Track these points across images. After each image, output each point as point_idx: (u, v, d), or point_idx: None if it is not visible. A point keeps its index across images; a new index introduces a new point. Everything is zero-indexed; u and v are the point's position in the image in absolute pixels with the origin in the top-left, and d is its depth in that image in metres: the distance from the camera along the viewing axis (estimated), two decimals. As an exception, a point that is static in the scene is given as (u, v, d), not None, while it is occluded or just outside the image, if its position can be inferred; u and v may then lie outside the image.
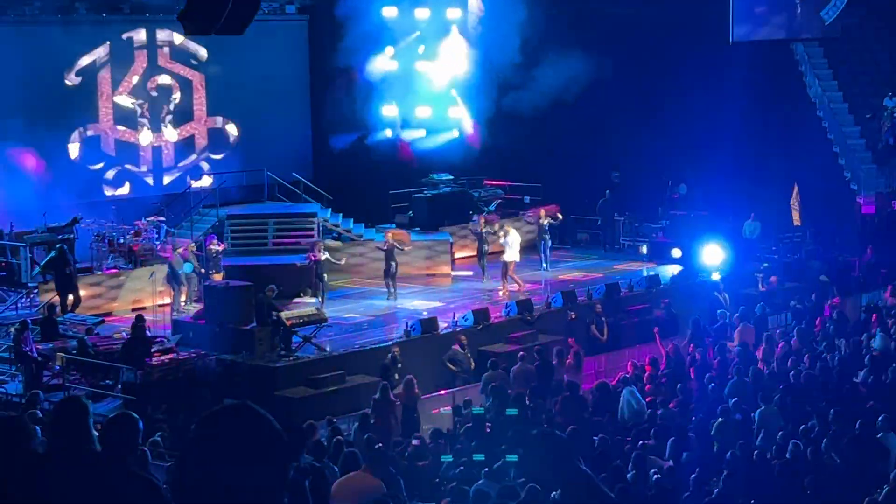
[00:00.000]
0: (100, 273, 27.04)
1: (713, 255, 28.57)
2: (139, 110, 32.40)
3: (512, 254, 27.99)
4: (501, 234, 28.46)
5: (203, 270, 26.94)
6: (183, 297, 26.54)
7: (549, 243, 30.42)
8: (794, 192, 32.83)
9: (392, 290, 27.43)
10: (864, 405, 17.35)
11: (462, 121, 35.05)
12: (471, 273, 30.24)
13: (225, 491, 2.76)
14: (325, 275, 26.86)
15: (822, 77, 32.88)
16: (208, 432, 2.84)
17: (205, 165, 33.68)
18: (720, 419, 16.64)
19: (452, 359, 23.02)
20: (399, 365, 21.84)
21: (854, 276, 28.97)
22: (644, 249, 31.78)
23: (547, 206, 30.97)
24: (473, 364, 22.99)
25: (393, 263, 27.47)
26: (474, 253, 29.97)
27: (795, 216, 32.72)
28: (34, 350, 21.71)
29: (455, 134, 35.28)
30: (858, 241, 30.78)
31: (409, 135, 35.02)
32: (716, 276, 27.85)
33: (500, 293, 27.84)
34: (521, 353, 22.32)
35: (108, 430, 5.34)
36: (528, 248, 30.02)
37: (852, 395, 18.37)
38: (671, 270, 29.38)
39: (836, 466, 14.57)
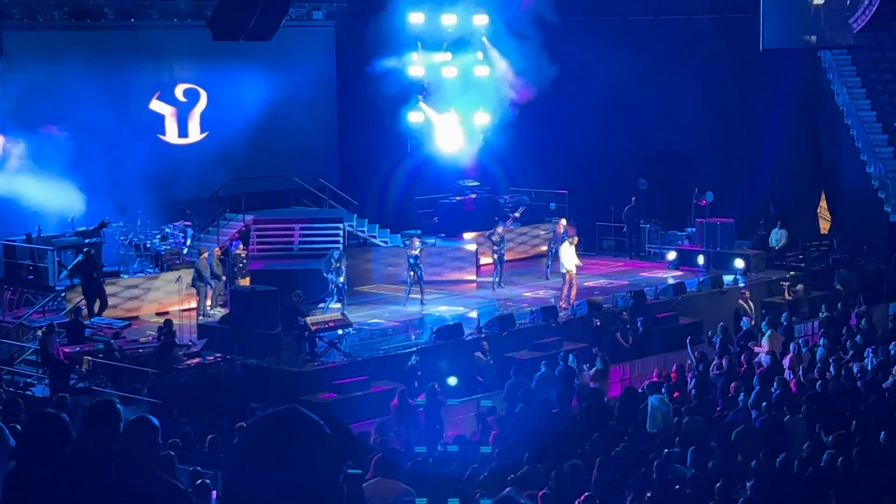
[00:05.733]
0: (126, 277, 27.17)
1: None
2: (167, 114, 32.54)
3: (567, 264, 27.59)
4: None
5: (225, 278, 27.02)
6: (209, 302, 26.65)
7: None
8: (821, 200, 32.69)
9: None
10: (891, 414, 17.25)
11: (488, 127, 35.01)
12: (497, 279, 30.19)
13: (276, 496, 2.76)
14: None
15: (851, 85, 32.72)
16: (258, 437, 2.84)
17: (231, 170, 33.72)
18: (746, 427, 16.58)
19: (478, 368, 23.01)
20: (419, 372, 21.85)
21: (882, 285, 28.80)
22: (671, 256, 31.69)
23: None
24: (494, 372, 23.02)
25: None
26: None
27: (823, 224, 32.59)
28: (61, 353, 21.81)
29: (481, 140, 35.27)
30: (886, 249, 30.61)
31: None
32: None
33: (562, 303, 27.17)
34: (543, 360, 22.26)
35: (126, 433, 5.36)
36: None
37: (879, 404, 18.24)
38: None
39: (862, 476, 14.47)
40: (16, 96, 28.94)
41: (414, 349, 23.26)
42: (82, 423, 5.31)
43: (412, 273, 27.46)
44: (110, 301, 25.86)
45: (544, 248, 31.76)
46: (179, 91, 32.77)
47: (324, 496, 2.78)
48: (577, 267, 27.54)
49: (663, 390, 19.35)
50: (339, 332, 23.28)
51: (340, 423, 3.33)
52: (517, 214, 33.98)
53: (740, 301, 26.60)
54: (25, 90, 28.90)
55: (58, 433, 5.25)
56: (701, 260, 30.43)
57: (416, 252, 27.57)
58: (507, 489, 12.90)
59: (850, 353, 22.17)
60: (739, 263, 29.39)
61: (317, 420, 2.83)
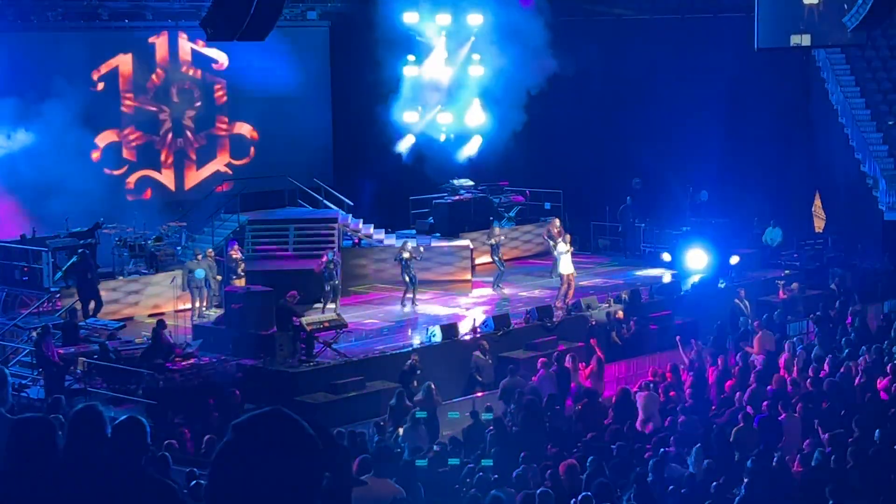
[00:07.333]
0: (121, 278, 27.14)
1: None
2: (161, 116, 32.54)
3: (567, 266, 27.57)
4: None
5: (219, 277, 27.00)
6: (204, 303, 26.62)
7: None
8: (816, 199, 32.71)
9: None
10: (886, 412, 17.27)
11: (483, 127, 35.02)
12: (492, 279, 30.22)
13: (259, 497, 2.76)
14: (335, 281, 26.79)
15: (845, 84, 32.74)
16: (242, 439, 2.84)
17: (226, 171, 33.76)
18: (741, 426, 16.58)
19: (477, 367, 23.00)
20: (418, 372, 21.85)
21: (876, 284, 28.82)
22: (666, 256, 31.70)
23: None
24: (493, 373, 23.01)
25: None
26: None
27: (818, 223, 32.61)
28: (56, 355, 21.77)
29: (476, 140, 35.26)
30: (881, 248, 30.63)
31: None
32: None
33: (558, 303, 27.03)
34: (541, 359, 22.23)
35: (115, 434, 5.35)
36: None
37: (874, 402, 18.26)
38: (691, 277, 29.40)
39: (857, 474, 14.48)
40: (14, 94, 28.99)
41: (410, 349, 23.26)
42: (68, 430, 5.30)
43: (405, 276, 27.47)
44: (105, 301, 25.82)
45: (538, 248, 31.97)
46: (174, 92, 32.76)
47: (306, 498, 2.78)
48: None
49: (656, 391, 19.37)
50: (335, 332, 23.28)
51: (324, 427, 3.34)
52: (512, 214, 33.99)
53: (736, 300, 26.59)
54: (21, 87, 28.94)
55: (45, 436, 5.24)
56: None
57: (408, 255, 27.57)
58: (496, 490, 12.90)
59: (845, 351, 22.17)
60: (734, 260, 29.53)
61: (300, 422, 2.84)
